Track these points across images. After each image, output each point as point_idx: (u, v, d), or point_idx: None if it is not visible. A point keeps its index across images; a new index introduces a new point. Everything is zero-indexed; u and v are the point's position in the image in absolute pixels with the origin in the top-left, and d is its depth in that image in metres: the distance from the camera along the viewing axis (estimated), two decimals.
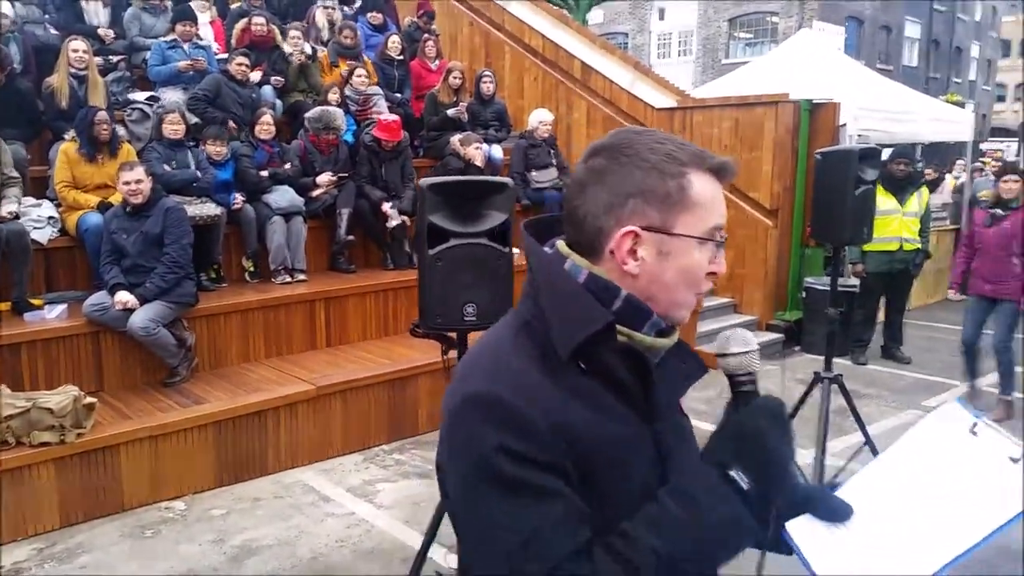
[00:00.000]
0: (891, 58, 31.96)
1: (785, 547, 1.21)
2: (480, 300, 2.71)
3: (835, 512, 1.18)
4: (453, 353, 2.91)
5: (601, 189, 1.11)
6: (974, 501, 1.08)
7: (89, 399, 4.35)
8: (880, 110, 8.88)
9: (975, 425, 1.12)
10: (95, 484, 4.29)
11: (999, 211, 5.82)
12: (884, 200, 7.20)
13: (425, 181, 2.69)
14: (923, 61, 34.22)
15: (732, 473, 1.05)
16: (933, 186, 12.15)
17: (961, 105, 18.98)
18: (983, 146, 19.54)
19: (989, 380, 6.28)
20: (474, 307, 2.72)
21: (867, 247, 7.22)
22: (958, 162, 12.85)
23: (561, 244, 1.17)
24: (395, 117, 7.20)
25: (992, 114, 41.04)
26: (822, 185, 4.21)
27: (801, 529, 1.18)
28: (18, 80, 6.11)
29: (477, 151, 7.12)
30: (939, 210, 10.44)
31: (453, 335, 2.90)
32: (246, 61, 6.98)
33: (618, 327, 1.09)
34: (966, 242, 6.19)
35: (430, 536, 2.88)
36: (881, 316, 7.75)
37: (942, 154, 16.13)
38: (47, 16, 7.54)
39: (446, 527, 2.74)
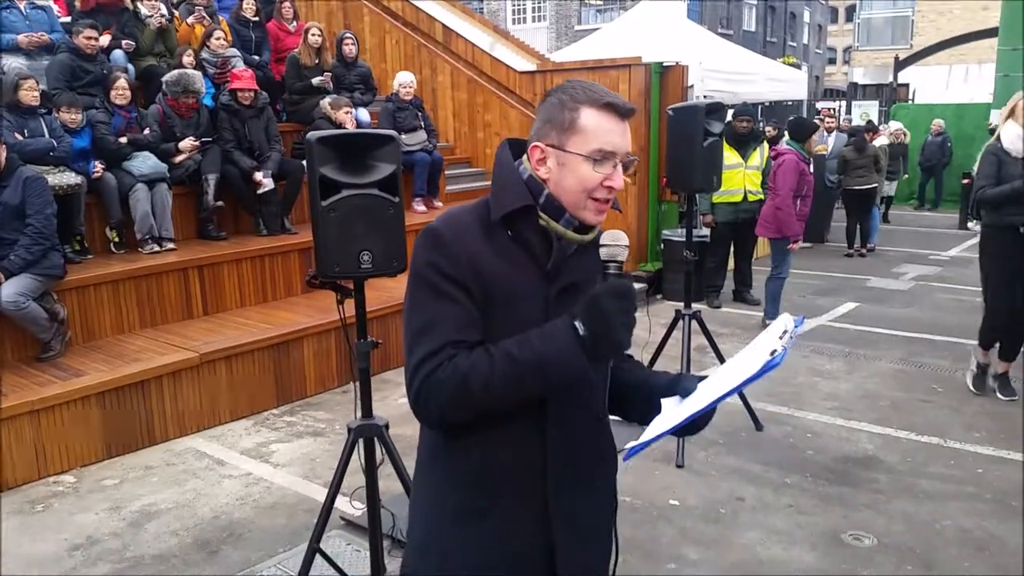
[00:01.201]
0: (732, 23, 33.69)
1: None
2: (375, 248, 2.83)
3: (687, 392, 1.56)
4: (350, 303, 3.05)
5: (536, 117, 1.57)
6: (747, 364, 1.46)
7: None
8: (724, 71, 9.56)
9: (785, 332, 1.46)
10: None
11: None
12: (729, 155, 7.80)
13: (314, 134, 2.77)
14: (761, 25, 36.28)
15: (575, 323, 1.43)
16: (774, 142, 13.14)
17: (797, 67, 20.41)
18: (818, 105, 21.11)
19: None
20: (369, 255, 2.83)
21: (715, 199, 7.85)
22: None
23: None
24: (247, 69, 7.13)
25: (824, 76, 44.15)
26: (674, 138, 4.61)
27: (667, 405, 1.57)
28: None
29: (347, 115, 7.16)
30: None
31: (350, 284, 3.04)
32: (94, 34, 6.58)
33: (541, 214, 1.52)
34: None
35: (336, 486, 3.00)
36: (732, 264, 8.42)
37: (781, 112, 17.35)
38: None
39: (349, 478, 2.92)
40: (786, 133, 7.35)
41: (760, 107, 15.79)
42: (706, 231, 8.11)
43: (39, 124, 5.66)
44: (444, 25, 9.54)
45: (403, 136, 7.96)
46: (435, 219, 1.57)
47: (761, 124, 12.01)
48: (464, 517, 1.57)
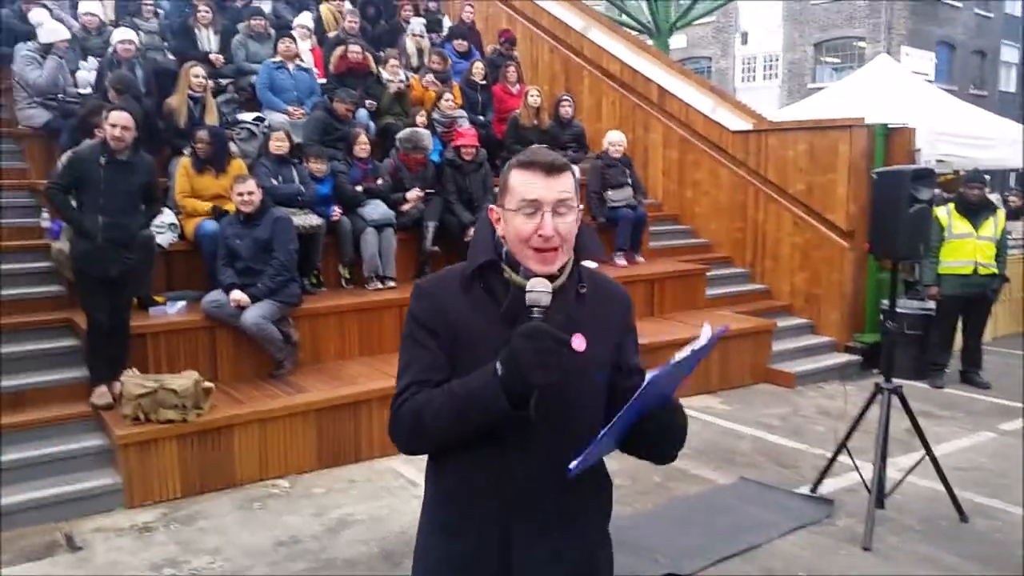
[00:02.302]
0: (986, 83, 31.07)
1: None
2: None
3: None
4: None
5: None
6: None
7: (207, 383, 4.90)
8: (960, 135, 8.92)
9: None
10: (211, 460, 4.83)
11: None
12: (958, 224, 7.29)
13: None
14: (1020, 86, 33.10)
15: (497, 364, 1.58)
16: (1019, 213, 11.98)
17: None
18: None
19: None
20: None
21: (942, 270, 7.33)
22: None
23: None
24: (471, 128, 7.76)
25: None
26: (879, 203, 4.47)
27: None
28: (142, 101, 6.78)
29: None
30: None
31: None
32: (352, 106, 7.50)
33: (505, 267, 1.72)
34: None
35: None
36: (959, 341, 7.75)
37: None
38: (166, 43, 8.31)
39: None
40: None
41: (1014, 174, 14.41)
42: (931, 304, 7.56)
43: (291, 171, 6.53)
44: (660, 86, 9.74)
45: (610, 192, 8.22)
46: (427, 278, 1.86)
47: (1008, 193, 11.01)
48: (437, 532, 1.79)
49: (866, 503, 4.28)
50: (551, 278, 1.68)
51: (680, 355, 1.58)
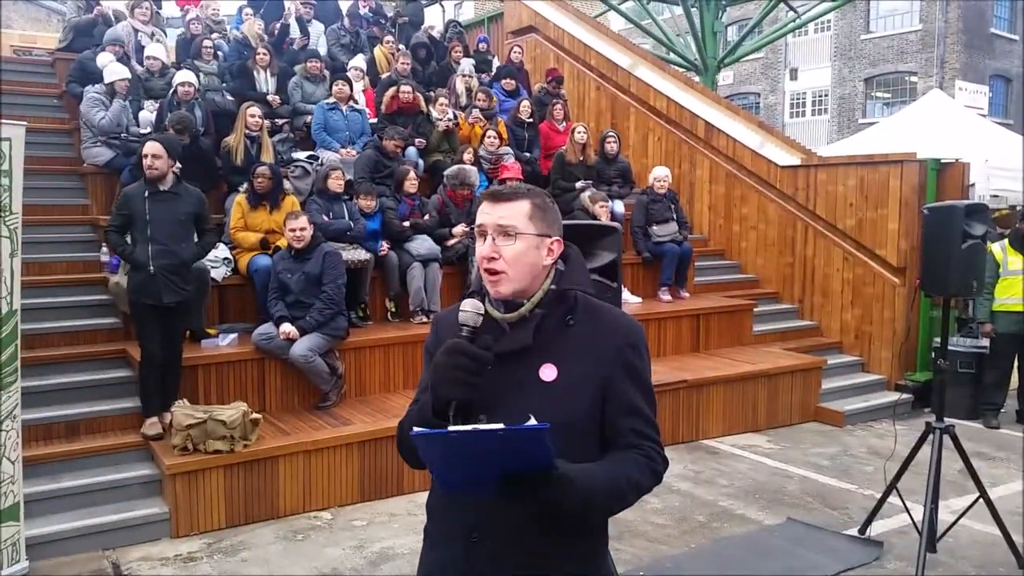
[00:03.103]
0: None
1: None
2: None
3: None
4: None
5: None
6: None
7: (255, 415, 5.00)
8: (1015, 170, 8.73)
9: None
10: (256, 490, 4.91)
11: None
12: (1013, 260, 7.12)
13: None
14: None
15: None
16: None
17: None
18: None
19: None
20: None
21: (996, 307, 7.16)
22: None
23: None
24: (516, 163, 7.93)
25: None
26: (930, 239, 4.40)
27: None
28: (200, 140, 7.05)
29: (603, 209, 7.66)
30: None
31: None
32: (402, 142, 7.72)
33: (487, 296, 1.80)
34: None
35: None
36: (1016, 380, 7.52)
37: None
38: (224, 84, 8.62)
39: None
40: None
41: None
42: (985, 342, 7.36)
43: (341, 208, 6.69)
44: (706, 122, 9.75)
45: (654, 227, 8.22)
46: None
47: None
48: (424, 541, 1.90)
49: (917, 546, 4.15)
50: (519, 307, 1.77)
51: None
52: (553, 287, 1.80)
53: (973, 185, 7.94)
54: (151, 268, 4.93)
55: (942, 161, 7.97)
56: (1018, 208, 8.65)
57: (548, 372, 1.72)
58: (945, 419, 4.45)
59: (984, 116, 15.38)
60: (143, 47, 8.60)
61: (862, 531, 4.70)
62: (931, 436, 4.41)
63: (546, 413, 1.60)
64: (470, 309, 1.72)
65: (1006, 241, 7.26)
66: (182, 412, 4.89)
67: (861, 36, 28.42)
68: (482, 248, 1.78)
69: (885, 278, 7.96)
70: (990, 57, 27.27)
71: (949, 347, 7.27)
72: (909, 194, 7.80)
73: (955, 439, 4.39)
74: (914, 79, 26.81)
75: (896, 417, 6.51)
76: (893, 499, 4.46)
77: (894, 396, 7.58)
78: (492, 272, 1.76)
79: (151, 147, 5.03)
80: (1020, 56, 28.56)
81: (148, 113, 7.68)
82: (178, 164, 5.48)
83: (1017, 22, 28.38)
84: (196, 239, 5.28)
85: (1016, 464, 6.17)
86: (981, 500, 4.33)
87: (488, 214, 1.78)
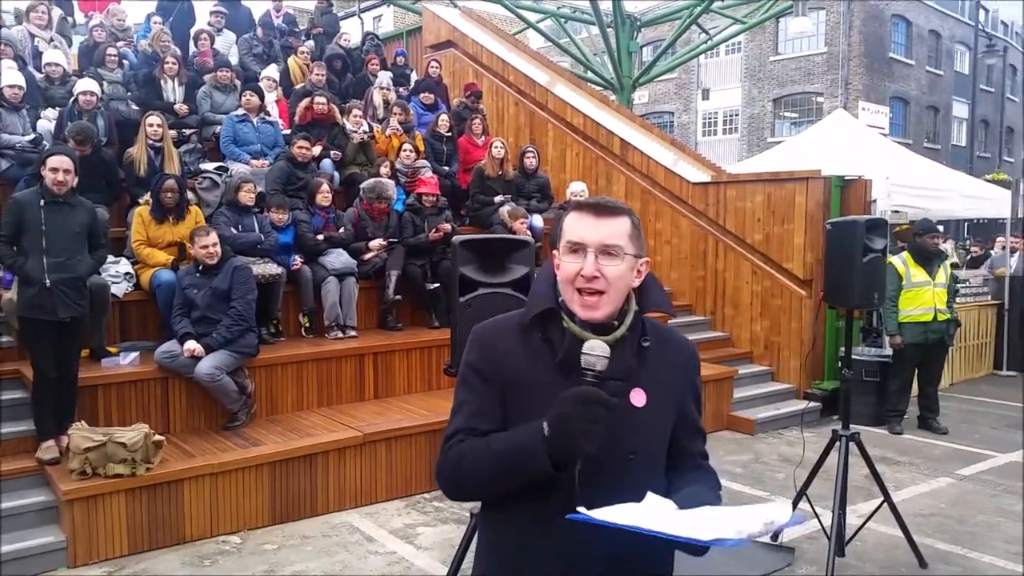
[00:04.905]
0: (939, 137, 32.09)
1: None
2: None
3: (683, 505, 1.59)
4: None
5: None
6: (723, 523, 1.49)
7: (158, 436, 4.77)
8: (914, 187, 9.13)
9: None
10: (160, 515, 4.67)
11: None
12: (916, 273, 7.44)
13: (458, 238, 3.10)
14: (970, 140, 34.27)
15: (544, 423, 1.54)
16: (978, 262, 12.30)
17: (1007, 184, 18.98)
18: None
19: None
20: None
21: (903, 319, 7.45)
22: (998, 239, 12.93)
23: None
24: (434, 177, 7.86)
25: None
26: (833, 253, 4.55)
27: (654, 499, 1.56)
28: (102, 151, 6.72)
29: (522, 225, 7.68)
30: (981, 285, 10.54)
31: None
32: (307, 144, 7.53)
33: (564, 315, 1.66)
34: None
35: (456, 567, 3.13)
36: (916, 387, 7.84)
37: (986, 231, 16.17)
38: (129, 93, 8.30)
39: (468, 562, 3.03)
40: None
41: (965, 225, 14.81)
42: (888, 351, 7.67)
43: (251, 221, 6.50)
44: (622, 139, 9.91)
45: None
46: (487, 322, 1.79)
47: (967, 242, 11.26)
48: None
49: (826, 551, 4.25)
50: (609, 329, 1.63)
51: (751, 530, 1.47)
52: (636, 308, 1.71)
53: (875, 201, 8.27)
54: (47, 281, 4.65)
55: (846, 178, 8.29)
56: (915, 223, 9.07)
57: (638, 398, 1.64)
58: (851, 426, 4.59)
59: (885, 135, 16.12)
60: (40, 53, 8.21)
61: (774, 538, 4.79)
62: (838, 443, 4.55)
63: (640, 440, 1.63)
64: (599, 352, 1.56)
65: (906, 255, 7.58)
66: (80, 435, 4.62)
67: (770, 58, 29.57)
68: (576, 266, 1.62)
69: (792, 290, 8.21)
70: (890, 80, 28.76)
71: (853, 357, 7.61)
72: (814, 209, 8.08)
73: (860, 446, 4.54)
74: (820, 99, 28.03)
75: (805, 425, 6.73)
76: (803, 505, 4.56)
77: (803, 404, 7.81)
78: (592, 293, 1.62)
79: (61, 161, 4.75)
80: (915, 80, 30.20)
81: (47, 122, 7.32)
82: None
83: (912, 48, 30.04)
84: (89, 253, 5.00)
85: (918, 468, 6.41)
86: (886, 504, 4.49)
87: (592, 231, 1.62)
